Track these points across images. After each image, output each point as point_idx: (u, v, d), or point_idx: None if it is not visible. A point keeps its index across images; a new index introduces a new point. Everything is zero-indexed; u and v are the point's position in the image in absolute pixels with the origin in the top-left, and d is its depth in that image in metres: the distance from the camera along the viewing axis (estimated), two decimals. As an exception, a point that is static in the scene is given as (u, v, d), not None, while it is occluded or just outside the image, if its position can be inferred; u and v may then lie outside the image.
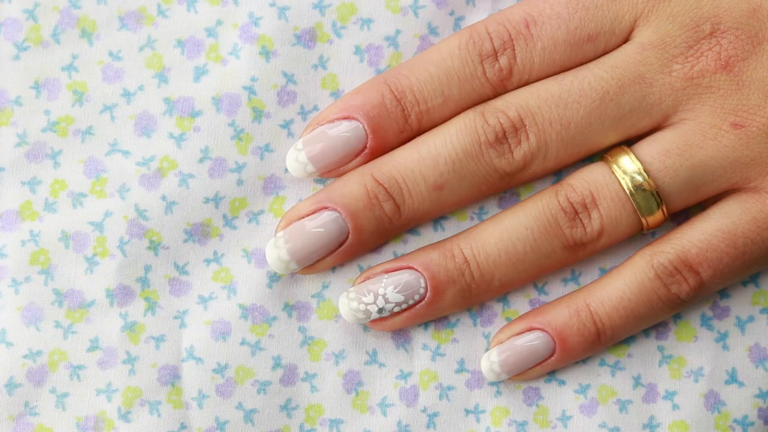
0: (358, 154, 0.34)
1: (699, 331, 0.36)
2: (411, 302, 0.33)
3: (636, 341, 0.35)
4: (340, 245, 0.33)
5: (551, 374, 0.35)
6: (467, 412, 0.35)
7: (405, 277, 0.33)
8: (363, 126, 0.33)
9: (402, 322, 0.34)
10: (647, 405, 0.35)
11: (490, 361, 0.34)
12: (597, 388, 0.35)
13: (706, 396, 0.35)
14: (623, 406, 0.35)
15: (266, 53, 0.35)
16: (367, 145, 0.33)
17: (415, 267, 0.33)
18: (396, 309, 0.33)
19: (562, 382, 0.35)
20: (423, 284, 0.33)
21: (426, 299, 0.33)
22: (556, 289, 0.35)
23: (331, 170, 0.34)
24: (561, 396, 0.35)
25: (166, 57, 0.35)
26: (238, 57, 0.35)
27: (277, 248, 0.33)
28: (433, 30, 0.35)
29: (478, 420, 0.35)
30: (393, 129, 0.33)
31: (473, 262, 0.33)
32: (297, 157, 0.34)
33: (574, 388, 0.35)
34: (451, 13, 0.35)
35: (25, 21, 0.34)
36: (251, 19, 0.35)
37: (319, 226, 0.33)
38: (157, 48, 0.35)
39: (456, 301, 0.34)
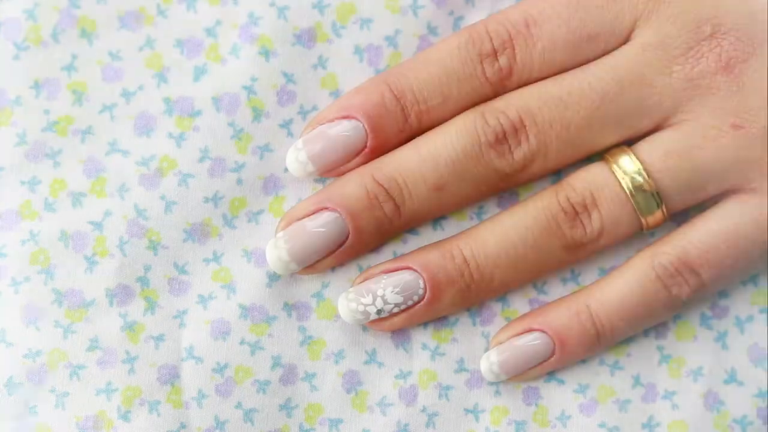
0: (358, 154, 0.34)
1: (698, 331, 0.36)
2: (410, 303, 0.33)
3: (635, 341, 0.35)
4: (340, 246, 0.33)
5: (550, 374, 0.35)
6: (467, 411, 0.35)
7: (404, 277, 0.33)
8: (363, 125, 0.33)
9: (401, 323, 0.34)
10: (646, 404, 0.35)
11: (489, 362, 0.34)
12: (596, 388, 0.35)
13: (705, 395, 0.35)
14: (622, 405, 0.35)
15: (266, 53, 0.35)
16: (368, 145, 0.33)
17: (414, 267, 0.33)
18: (395, 309, 0.33)
19: (562, 382, 0.35)
20: (422, 285, 0.33)
21: (425, 300, 0.33)
22: (556, 289, 0.36)
23: (331, 170, 0.34)
24: (560, 395, 0.35)
25: (165, 57, 0.35)
26: (238, 57, 0.35)
27: (277, 249, 0.33)
28: (432, 30, 0.35)
29: (477, 419, 0.35)
30: (393, 128, 0.33)
31: (473, 262, 0.33)
32: (297, 157, 0.34)
33: (573, 388, 0.35)
34: (451, 13, 0.35)
35: (25, 21, 0.34)
36: (251, 19, 0.35)
37: (320, 226, 0.33)
38: (156, 48, 0.35)
39: (455, 301, 0.34)
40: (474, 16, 0.35)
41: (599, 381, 0.35)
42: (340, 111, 0.33)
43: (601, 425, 0.35)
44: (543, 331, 0.34)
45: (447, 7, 0.35)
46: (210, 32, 0.35)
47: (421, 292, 0.33)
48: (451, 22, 0.35)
